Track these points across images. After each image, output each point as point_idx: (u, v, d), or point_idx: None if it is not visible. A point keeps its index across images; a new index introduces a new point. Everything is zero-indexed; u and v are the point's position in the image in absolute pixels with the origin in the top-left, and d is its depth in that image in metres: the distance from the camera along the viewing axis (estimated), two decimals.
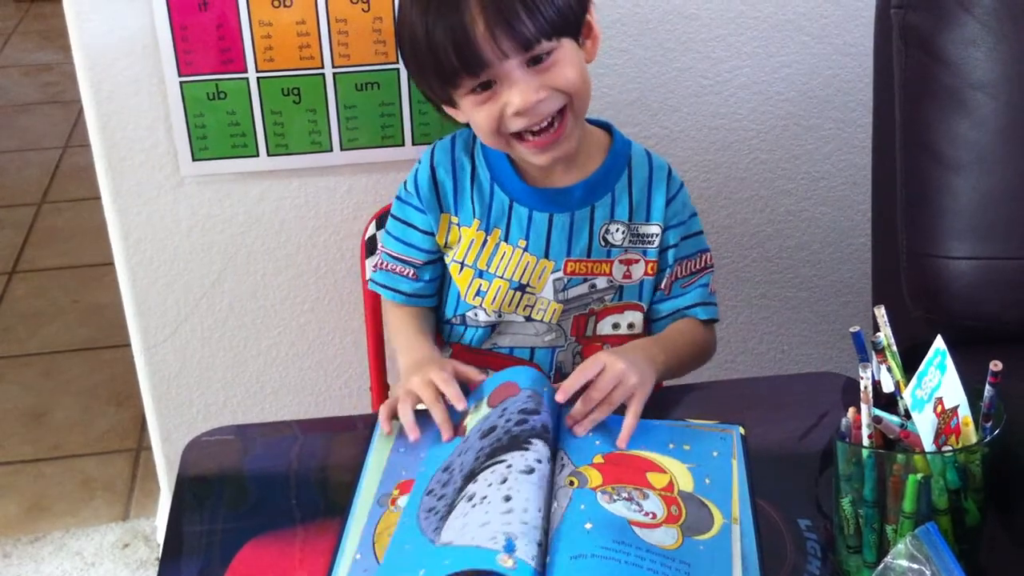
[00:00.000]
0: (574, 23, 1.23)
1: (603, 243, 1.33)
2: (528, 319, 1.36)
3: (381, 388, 1.59)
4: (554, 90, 1.20)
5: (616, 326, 1.37)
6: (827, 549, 1.05)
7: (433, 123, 1.64)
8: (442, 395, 1.20)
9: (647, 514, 1.04)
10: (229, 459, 1.23)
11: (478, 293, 1.35)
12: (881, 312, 1.03)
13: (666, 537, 1.02)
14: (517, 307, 1.35)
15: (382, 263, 1.40)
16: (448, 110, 1.29)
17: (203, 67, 1.56)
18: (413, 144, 1.65)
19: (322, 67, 1.59)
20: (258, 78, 1.58)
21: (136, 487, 2.16)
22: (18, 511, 2.11)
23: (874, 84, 1.50)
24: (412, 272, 1.38)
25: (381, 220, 1.55)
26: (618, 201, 1.33)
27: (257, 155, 1.63)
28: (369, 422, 1.25)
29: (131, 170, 1.62)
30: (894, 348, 1.03)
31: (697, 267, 1.36)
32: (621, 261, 1.34)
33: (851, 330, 1.02)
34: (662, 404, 1.27)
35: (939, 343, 0.99)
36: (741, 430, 1.18)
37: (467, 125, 1.31)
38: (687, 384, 1.39)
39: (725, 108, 1.76)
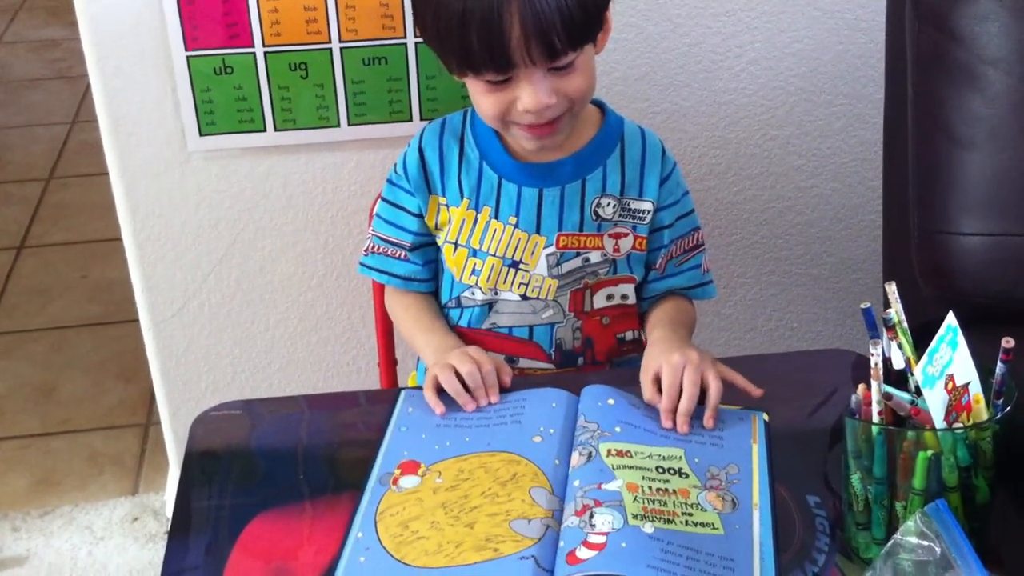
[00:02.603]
0: (597, 29, 1.23)
1: (594, 217, 1.33)
2: (524, 297, 1.35)
3: (389, 363, 1.59)
4: (563, 96, 1.22)
5: (610, 297, 1.37)
6: (836, 526, 1.05)
7: (441, 98, 1.64)
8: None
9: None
10: (237, 434, 1.23)
11: (473, 272, 1.35)
12: (892, 288, 1.03)
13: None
14: (512, 284, 1.35)
15: (373, 247, 1.40)
16: (452, 74, 1.29)
17: (210, 42, 1.56)
18: (421, 119, 1.64)
19: (329, 42, 1.58)
20: (265, 53, 1.58)
21: (145, 462, 2.17)
22: (27, 485, 2.12)
23: (886, 60, 1.49)
24: (403, 254, 1.37)
25: None
26: (609, 175, 1.32)
27: (264, 130, 1.62)
28: (376, 398, 1.24)
29: (138, 145, 1.62)
30: (905, 325, 1.02)
31: (691, 245, 1.37)
32: (610, 235, 1.34)
33: (862, 306, 1.02)
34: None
35: (951, 320, 0.98)
36: (765, 416, 1.18)
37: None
38: None
39: (735, 84, 1.75)
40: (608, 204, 1.32)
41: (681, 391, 1.17)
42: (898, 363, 1.01)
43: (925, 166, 1.35)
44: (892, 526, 0.97)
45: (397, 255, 1.38)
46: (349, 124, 1.64)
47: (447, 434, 1.17)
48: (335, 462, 1.19)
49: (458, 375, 1.22)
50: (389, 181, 1.38)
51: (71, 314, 2.61)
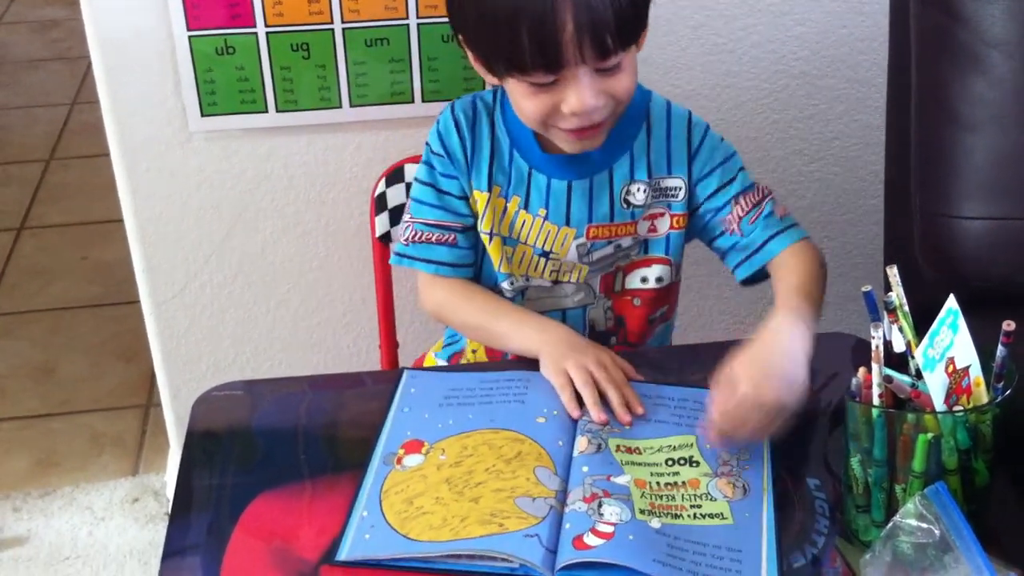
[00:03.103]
0: (644, 27, 1.21)
1: (625, 205, 1.30)
2: (555, 283, 1.34)
3: (390, 345, 1.59)
4: (610, 97, 1.19)
5: (644, 280, 1.35)
6: (836, 508, 1.05)
7: (443, 80, 1.63)
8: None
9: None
10: (238, 414, 1.23)
11: (507, 260, 1.33)
12: (893, 272, 1.03)
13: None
14: (543, 272, 1.33)
15: (415, 235, 1.32)
16: (489, 76, 1.24)
17: (211, 21, 1.55)
18: (423, 101, 1.64)
19: (331, 22, 1.58)
20: (267, 33, 1.57)
21: (145, 443, 2.17)
22: (28, 466, 2.12)
23: (889, 42, 1.49)
24: (452, 238, 1.32)
25: (391, 177, 1.54)
26: (637, 159, 1.30)
27: (266, 111, 1.62)
28: (378, 378, 1.24)
29: (139, 126, 1.62)
30: (906, 308, 1.02)
31: (756, 200, 1.30)
32: (645, 218, 1.32)
33: (863, 289, 1.02)
34: (674, 366, 1.28)
35: (951, 302, 0.98)
36: None
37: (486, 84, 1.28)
38: (698, 344, 1.39)
39: (738, 67, 1.74)
40: (638, 190, 1.30)
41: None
42: (899, 346, 1.01)
43: (928, 149, 1.35)
44: (892, 509, 0.97)
45: (444, 240, 1.32)
46: (351, 105, 1.63)
47: (450, 412, 1.17)
48: (337, 442, 1.19)
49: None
50: (426, 163, 1.33)
51: (72, 295, 2.61)
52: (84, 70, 3.56)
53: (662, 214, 1.32)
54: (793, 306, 1.18)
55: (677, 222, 1.32)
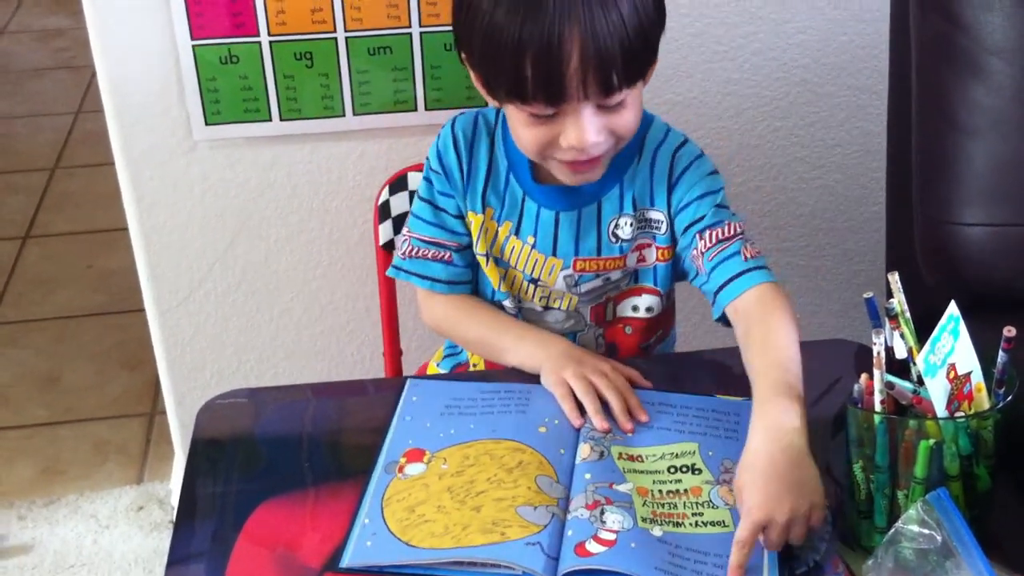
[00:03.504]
0: (652, 63, 1.17)
1: (613, 239, 1.28)
2: (546, 308, 1.33)
3: (394, 353, 1.59)
4: (611, 133, 1.16)
5: (635, 308, 1.33)
6: (838, 514, 1.05)
7: (446, 88, 1.64)
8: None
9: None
10: (243, 422, 1.23)
11: (503, 280, 1.32)
12: (895, 278, 1.03)
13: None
14: (534, 297, 1.33)
15: (411, 250, 1.32)
16: (489, 98, 1.21)
17: (215, 31, 1.56)
18: (426, 109, 1.65)
19: (334, 31, 1.58)
20: (270, 42, 1.58)
21: (150, 451, 2.18)
22: (33, 474, 2.13)
23: (890, 49, 1.49)
24: (448, 255, 1.31)
25: (394, 185, 1.54)
26: (626, 191, 1.27)
27: (270, 120, 1.63)
28: (381, 386, 1.25)
29: (143, 134, 1.62)
30: (907, 314, 1.03)
31: (724, 236, 1.23)
32: (634, 249, 1.29)
33: (864, 296, 1.02)
34: (677, 373, 1.28)
35: (952, 309, 0.98)
36: None
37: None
38: (700, 351, 1.40)
39: (739, 74, 1.75)
40: (626, 223, 1.27)
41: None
42: (900, 352, 1.02)
43: (929, 156, 1.35)
44: (894, 514, 0.97)
45: (440, 257, 1.31)
46: (354, 114, 1.64)
47: (452, 422, 1.17)
48: (340, 450, 1.19)
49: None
50: (426, 179, 1.32)
51: (76, 303, 2.61)
52: (88, 79, 3.57)
53: (649, 245, 1.29)
54: (780, 392, 1.06)
55: (662, 254, 1.29)
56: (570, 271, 1.29)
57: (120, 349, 2.44)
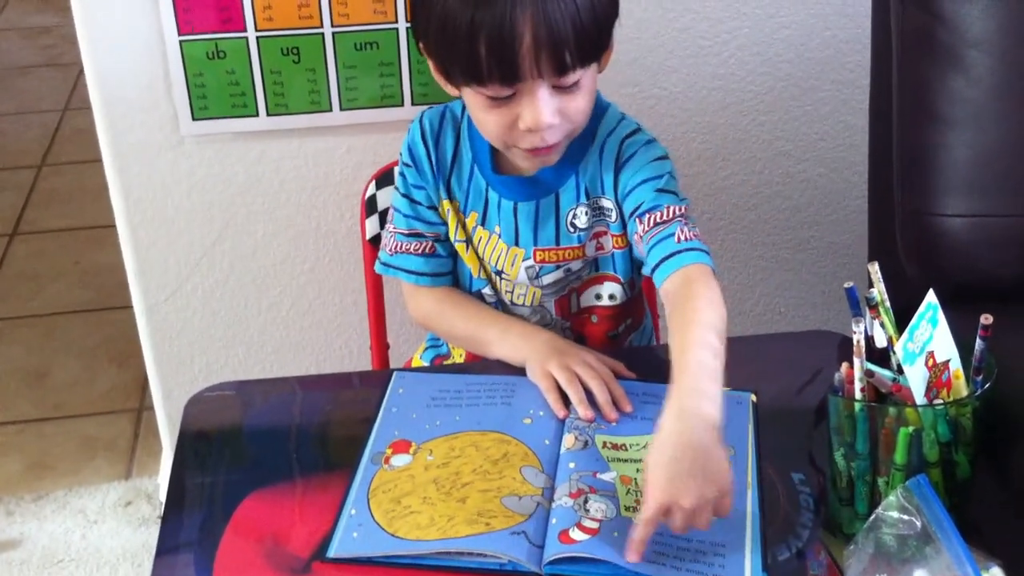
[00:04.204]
0: (605, 47, 1.19)
1: (571, 228, 1.29)
2: (512, 303, 1.34)
3: (381, 346, 1.60)
4: (566, 117, 1.17)
5: (599, 297, 1.34)
6: (820, 502, 1.06)
7: (432, 83, 1.62)
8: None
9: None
10: (230, 414, 1.24)
11: (481, 267, 1.34)
12: (875, 268, 1.04)
13: None
14: (501, 291, 1.34)
15: (396, 245, 1.34)
16: (447, 86, 1.24)
17: (202, 26, 1.56)
18: (412, 104, 1.65)
19: (321, 26, 1.59)
20: (257, 37, 1.58)
21: (138, 446, 2.18)
22: (21, 470, 2.13)
23: (872, 43, 1.50)
24: (430, 245, 1.33)
25: (381, 180, 1.55)
26: (581, 181, 1.28)
27: (257, 115, 1.63)
28: (368, 379, 1.25)
29: (131, 130, 1.63)
30: (887, 304, 1.04)
31: (662, 219, 1.21)
32: (592, 237, 1.30)
33: (845, 286, 1.03)
34: (660, 363, 1.28)
35: (931, 297, 1.00)
36: (753, 397, 1.19)
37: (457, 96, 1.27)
38: None
39: (724, 69, 1.76)
40: (583, 212, 1.28)
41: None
42: (880, 342, 1.03)
43: (909, 148, 1.36)
44: (874, 501, 0.98)
45: (422, 249, 1.33)
46: (341, 109, 1.65)
47: (437, 413, 1.18)
48: (327, 442, 1.20)
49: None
50: (401, 174, 1.34)
51: (64, 300, 2.61)
52: (76, 76, 3.57)
53: (604, 233, 1.30)
54: (698, 374, 1.04)
55: (617, 242, 1.30)
56: (531, 262, 1.30)
57: (108, 345, 2.44)
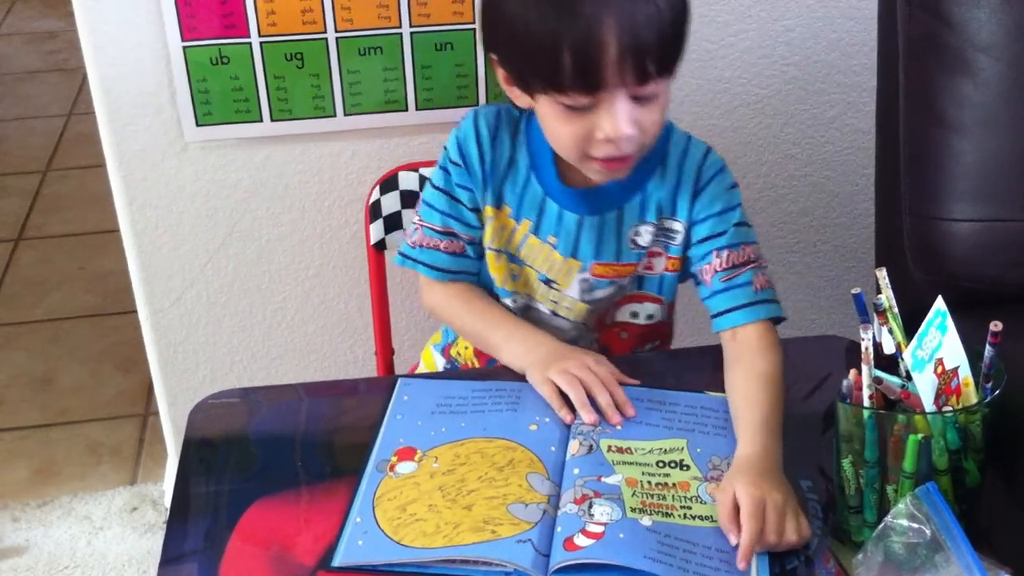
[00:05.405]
0: (680, 57, 1.18)
1: (633, 246, 1.29)
2: (554, 314, 1.33)
3: (386, 352, 1.59)
4: (641, 129, 1.16)
5: (635, 315, 1.34)
6: (828, 510, 1.06)
7: (437, 88, 1.64)
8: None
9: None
10: (235, 421, 1.24)
11: (512, 277, 1.32)
12: (883, 274, 1.03)
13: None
14: (545, 299, 1.33)
15: (424, 240, 1.32)
16: (519, 97, 1.22)
17: (206, 32, 1.56)
18: (417, 109, 1.65)
19: (325, 31, 1.59)
20: (261, 43, 1.58)
21: (143, 452, 2.18)
22: (27, 476, 2.13)
23: (878, 47, 1.50)
24: (461, 247, 1.32)
25: (385, 185, 1.55)
26: (648, 200, 1.27)
27: (260, 120, 1.63)
28: (373, 386, 1.25)
29: (135, 136, 1.63)
30: (895, 310, 1.03)
31: (740, 260, 1.26)
32: (646, 255, 1.30)
33: (852, 292, 1.03)
34: (667, 370, 1.28)
35: (939, 304, 0.99)
36: None
37: (508, 101, 1.26)
38: (688, 349, 1.40)
39: (729, 72, 1.75)
40: (647, 231, 1.28)
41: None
42: (889, 348, 1.02)
43: (916, 152, 1.36)
44: (883, 509, 0.98)
45: (452, 248, 1.32)
46: (345, 114, 1.64)
47: (443, 420, 1.18)
48: (332, 449, 1.20)
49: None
50: (443, 168, 1.31)
51: (69, 305, 2.61)
52: (80, 81, 3.57)
53: (660, 254, 1.30)
54: (762, 430, 1.11)
55: (672, 264, 1.30)
56: (587, 275, 1.30)
57: (113, 350, 2.44)
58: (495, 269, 1.32)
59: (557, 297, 1.32)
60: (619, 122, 1.14)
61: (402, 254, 1.35)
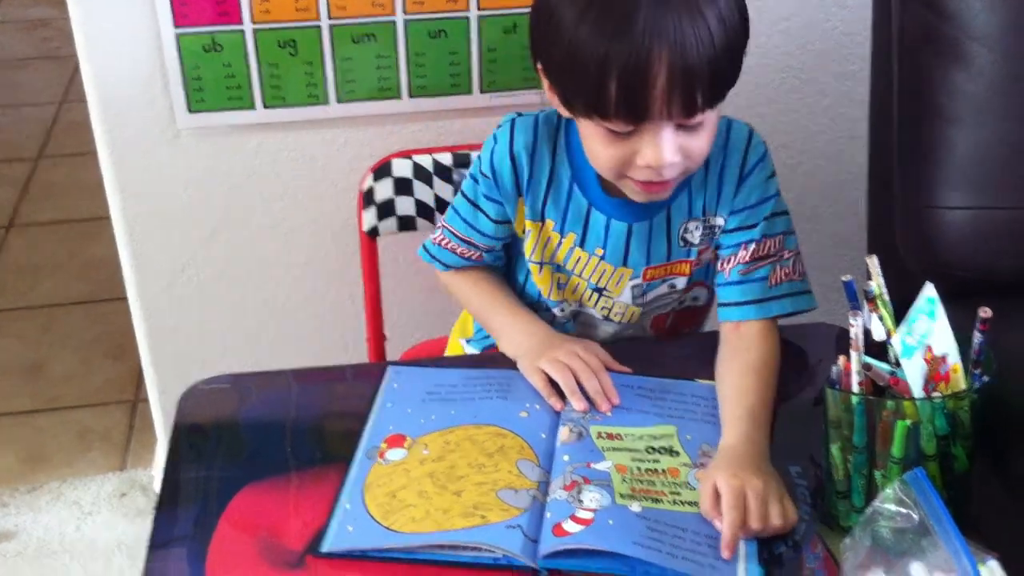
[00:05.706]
0: (734, 84, 1.15)
1: (683, 243, 1.26)
2: (606, 319, 1.33)
3: (377, 339, 1.59)
4: (686, 155, 1.13)
5: (682, 302, 1.34)
6: (816, 495, 1.06)
7: (430, 76, 1.64)
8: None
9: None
10: (225, 407, 1.24)
11: (559, 286, 1.31)
12: (874, 261, 1.04)
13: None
14: (596, 306, 1.32)
15: (444, 240, 1.33)
16: (562, 109, 1.18)
17: (199, 19, 1.56)
18: (410, 97, 1.65)
19: (318, 19, 1.58)
20: (254, 30, 1.58)
21: (133, 438, 2.18)
22: (16, 461, 2.12)
23: (872, 36, 1.50)
24: (478, 255, 1.33)
25: (378, 172, 1.55)
26: (695, 196, 1.25)
27: (253, 108, 1.62)
28: (363, 372, 1.25)
29: (127, 123, 1.62)
30: (886, 297, 1.03)
31: (761, 253, 1.24)
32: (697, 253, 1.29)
33: (843, 279, 1.03)
34: (656, 358, 1.28)
35: (929, 290, 0.99)
36: None
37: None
38: (683, 336, 1.40)
39: None
40: (695, 228, 1.25)
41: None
42: (878, 335, 1.02)
43: (910, 141, 1.36)
44: (871, 494, 0.98)
45: (470, 255, 1.33)
46: (338, 102, 1.64)
47: (433, 408, 1.18)
48: (322, 435, 1.19)
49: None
50: (472, 177, 1.29)
51: (60, 292, 2.61)
52: (72, 69, 3.55)
53: (707, 248, 1.28)
54: (753, 442, 1.10)
55: (714, 253, 1.29)
56: (639, 280, 1.28)
57: (104, 337, 2.44)
58: (540, 281, 1.31)
59: (609, 304, 1.31)
60: (663, 152, 1.10)
61: (425, 248, 1.37)
